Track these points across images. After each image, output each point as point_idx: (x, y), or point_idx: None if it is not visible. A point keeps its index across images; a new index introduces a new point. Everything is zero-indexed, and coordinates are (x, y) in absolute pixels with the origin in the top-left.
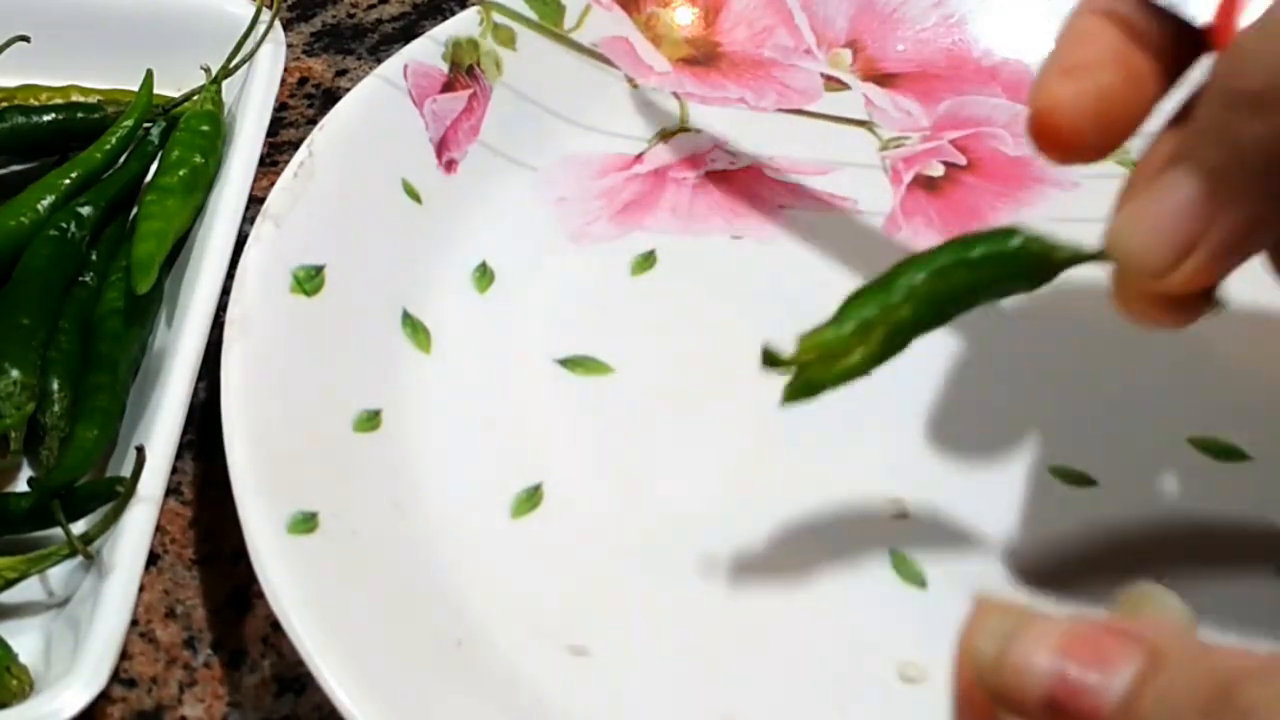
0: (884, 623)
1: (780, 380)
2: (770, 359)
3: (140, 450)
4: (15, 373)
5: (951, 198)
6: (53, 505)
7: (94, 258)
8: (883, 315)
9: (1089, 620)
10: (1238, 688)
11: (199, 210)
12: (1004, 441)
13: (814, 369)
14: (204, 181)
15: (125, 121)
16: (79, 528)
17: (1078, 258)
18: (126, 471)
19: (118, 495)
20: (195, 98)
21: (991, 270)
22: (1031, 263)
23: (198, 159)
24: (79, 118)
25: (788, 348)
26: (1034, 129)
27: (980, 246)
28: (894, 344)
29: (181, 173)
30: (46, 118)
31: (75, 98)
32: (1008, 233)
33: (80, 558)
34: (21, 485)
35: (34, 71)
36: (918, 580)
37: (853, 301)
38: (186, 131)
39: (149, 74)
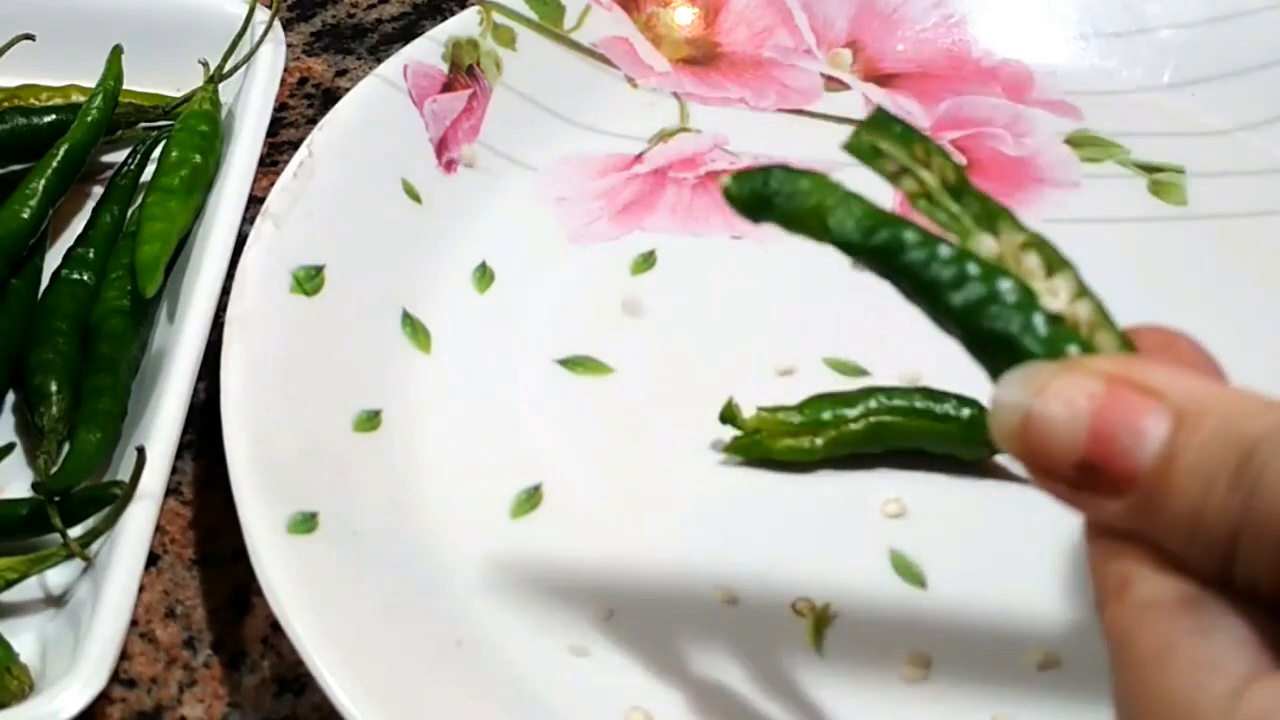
0: (884, 623)
1: (780, 382)
2: (727, 416)
3: (141, 451)
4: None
5: None
6: (49, 509)
7: (91, 255)
8: (835, 423)
9: (1111, 374)
10: (1260, 447)
11: (199, 210)
12: None
13: (765, 438)
14: (204, 181)
15: (95, 103)
16: (78, 531)
17: None
18: (126, 471)
19: (116, 499)
20: (195, 98)
21: (946, 428)
22: (979, 436)
23: (197, 159)
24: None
25: (747, 412)
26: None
27: (946, 405)
28: (840, 447)
29: (182, 173)
30: (47, 118)
31: (75, 98)
32: (972, 403)
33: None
34: (23, 489)
35: (34, 72)
36: (918, 580)
37: (816, 401)
38: (185, 131)
39: (114, 51)
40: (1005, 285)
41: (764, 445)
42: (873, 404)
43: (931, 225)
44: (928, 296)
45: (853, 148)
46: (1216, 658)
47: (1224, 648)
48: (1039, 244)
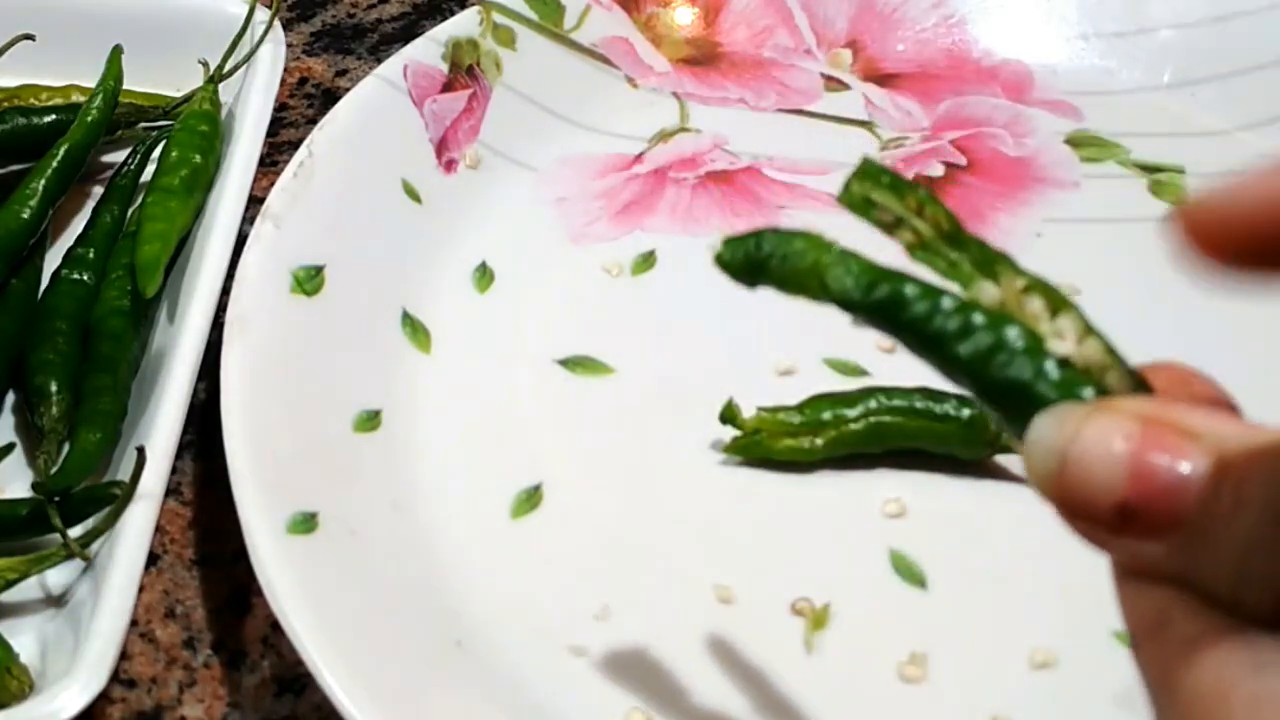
0: (884, 623)
1: (780, 382)
2: (727, 416)
3: (141, 451)
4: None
5: (951, 198)
6: (49, 509)
7: (91, 255)
8: (835, 423)
9: (1146, 417)
10: None
11: (199, 210)
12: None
13: (765, 438)
14: (204, 181)
15: (95, 103)
16: (78, 531)
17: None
18: (126, 471)
19: (116, 499)
20: (195, 98)
21: (946, 428)
22: (980, 436)
23: (197, 159)
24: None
25: (747, 412)
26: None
27: (946, 405)
28: (840, 447)
29: (182, 173)
30: (47, 118)
31: (75, 98)
32: (972, 403)
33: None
34: (23, 489)
35: (34, 72)
36: (918, 580)
37: (816, 401)
38: (185, 131)
39: (114, 51)
40: (1012, 333)
41: (764, 445)
42: (873, 404)
43: (931, 275)
44: (934, 350)
45: (845, 200)
46: (1277, 691)
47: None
48: (1040, 286)
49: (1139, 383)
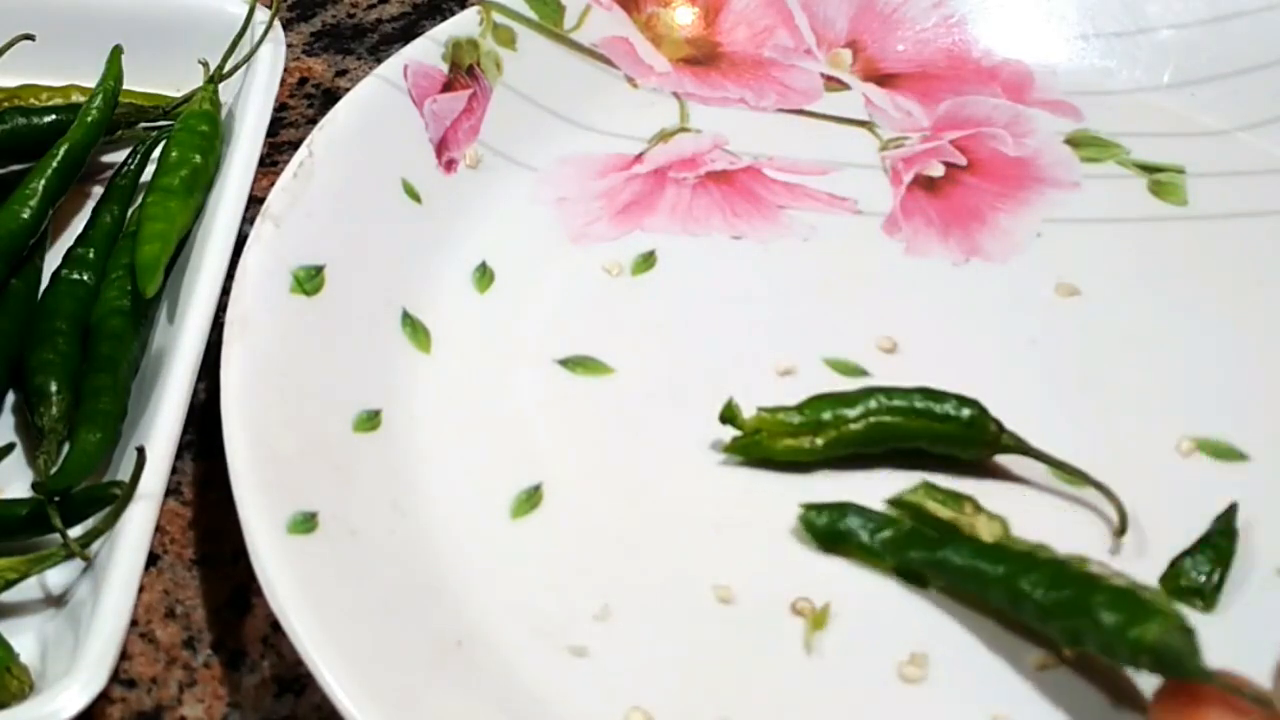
0: (884, 623)
1: (780, 382)
2: (727, 416)
3: (141, 451)
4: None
5: (951, 198)
6: (49, 509)
7: (91, 256)
8: (835, 423)
9: None
10: None
11: (199, 210)
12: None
13: (765, 438)
14: (204, 181)
15: (95, 103)
16: (78, 530)
17: (1019, 446)
18: (126, 471)
19: (116, 499)
20: (195, 98)
21: (946, 429)
22: (980, 436)
23: (197, 159)
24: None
25: (747, 413)
26: None
27: (946, 405)
28: (840, 448)
29: (182, 173)
30: (47, 118)
31: (75, 98)
32: (972, 403)
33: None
34: (23, 489)
35: (35, 72)
36: (918, 580)
37: (816, 401)
38: (185, 131)
39: (114, 51)
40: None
41: (764, 445)
42: (873, 404)
43: None
44: None
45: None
46: None
47: None
48: None
49: None
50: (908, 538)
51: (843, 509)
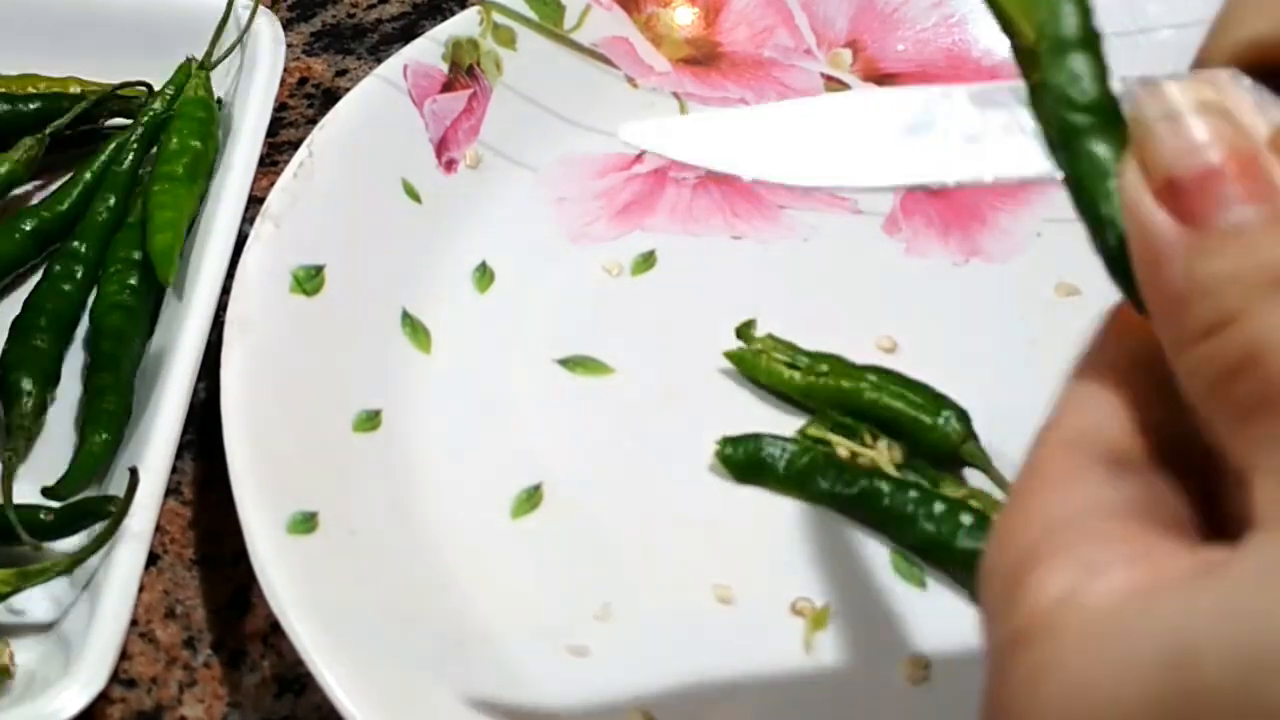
0: (884, 623)
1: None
2: (742, 331)
3: (134, 471)
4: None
5: (951, 198)
6: (11, 521)
7: (84, 249)
8: (829, 374)
9: (1261, 151)
10: None
11: (203, 197)
12: (1002, 440)
13: (764, 359)
14: (205, 168)
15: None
16: (73, 542)
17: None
18: (124, 471)
19: (111, 514)
20: (188, 85)
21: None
22: (944, 449)
23: (197, 145)
24: (62, 106)
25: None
26: None
27: (939, 416)
28: (816, 397)
29: (184, 160)
30: (33, 105)
31: (74, 89)
32: (962, 418)
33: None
34: (32, 493)
35: (36, 66)
36: (918, 580)
37: (828, 356)
38: (183, 119)
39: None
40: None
41: (758, 365)
42: (873, 378)
43: None
44: None
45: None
46: (1099, 499)
47: (1112, 495)
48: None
49: None
50: (819, 467)
51: (758, 440)
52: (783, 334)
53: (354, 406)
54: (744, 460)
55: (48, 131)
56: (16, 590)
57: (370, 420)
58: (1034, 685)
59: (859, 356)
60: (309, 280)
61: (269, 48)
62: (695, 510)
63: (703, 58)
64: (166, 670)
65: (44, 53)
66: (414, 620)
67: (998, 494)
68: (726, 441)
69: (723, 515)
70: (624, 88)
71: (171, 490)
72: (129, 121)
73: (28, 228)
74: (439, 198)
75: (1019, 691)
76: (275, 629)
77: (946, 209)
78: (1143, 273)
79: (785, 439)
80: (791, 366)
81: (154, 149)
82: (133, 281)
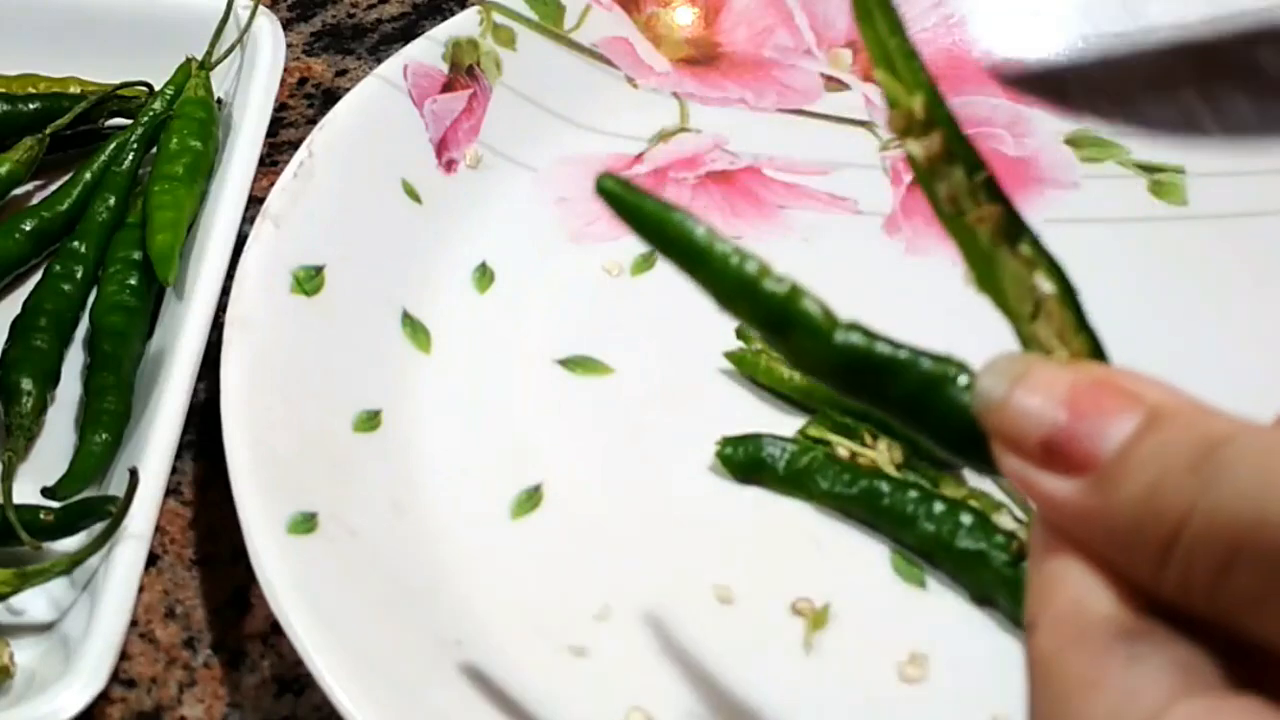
0: (884, 623)
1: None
2: (742, 332)
3: (134, 472)
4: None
5: None
6: (12, 522)
7: (83, 249)
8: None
9: (1095, 372)
10: (1223, 446)
11: (203, 197)
12: None
13: (764, 358)
14: (205, 168)
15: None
16: (73, 542)
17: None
18: (124, 471)
19: (110, 515)
20: (188, 85)
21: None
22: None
23: (197, 145)
24: (62, 106)
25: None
26: None
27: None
28: (816, 397)
29: (185, 160)
30: (33, 105)
31: (74, 90)
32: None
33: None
34: (32, 493)
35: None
36: (918, 580)
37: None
38: (183, 119)
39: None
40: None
41: (759, 365)
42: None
43: None
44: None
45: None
46: (1140, 685)
47: (1150, 672)
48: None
49: None
50: (819, 467)
51: (758, 440)
52: None
53: (354, 406)
54: (744, 460)
55: (48, 131)
56: (16, 590)
57: (370, 420)
58: None
59: None
60: (309, 280)
61: (269, 48)
62: (695, 510)
63: (703, 58)
64: (166, 670)
65: (44, 53)
66: (414, 620)
67: (998, 494)
68: (726, 441)
69: (723, 515)
70: (624, 88)
71: (171, 490)
72: (129, 121)
73: (28, 228)
74: (439, 198)
75: None
76: (275, 629)
77: None
78: (1080, 535)
79: (785, 439)
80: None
81: (154, 149)
82: (133, 281)
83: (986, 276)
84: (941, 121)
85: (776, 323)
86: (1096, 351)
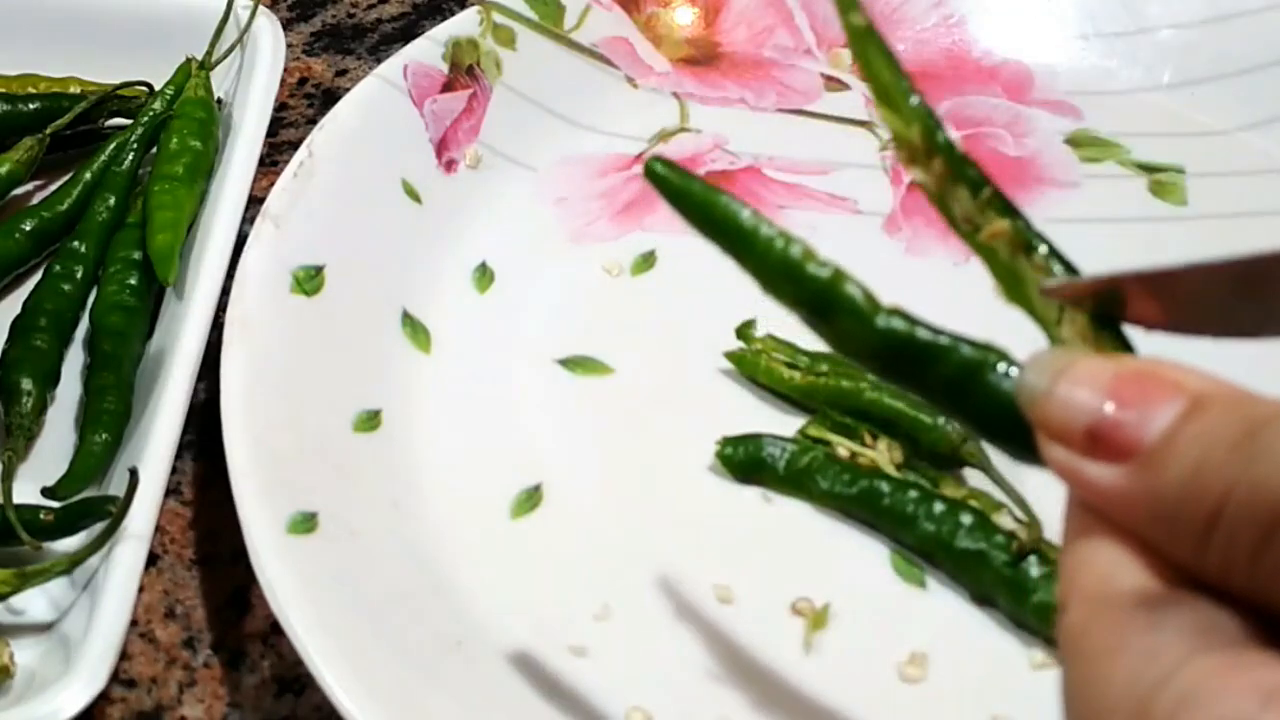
0: (884, 623)
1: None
2: (742, 332)
3: (134, 472)
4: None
5: None
6: (12, 522)
7: (84, 249)
8: (828, 375)
9: (1137, 364)
10: (1264, 429)
11: (203, 197)
12: None
13: (763, 359)
14: (205, 168)
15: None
16: (73, 542)
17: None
18: (124, 471)
19: (110, 515)
20: (188, 85)
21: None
22: (943, 447)
23: (197, 145)
24: (62, 106)
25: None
26: None
27: (940, 417)
28: (814, 396)
29: (185, 160)
30: (33, 105)
31: (74, 89)
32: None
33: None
34: (32, 493)
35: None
36: (918, 580)
37: (828, 356)
38: (183, 119)
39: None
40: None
41: (758, 365)
42: (873, 378)
43: None
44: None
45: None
46: (1160, 646)
47: (1170, 634)
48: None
49: None
50: (819, 467)
51: (758, 440)
52: (783, 334)
53: (354, 406)
54: (744, 460)
55: (48, 131)
56: (16, 590)
57: (370, 420)
58: None
59: None
60: (309, 280)
61: (269, 48)
62: (695, 510)
63: (703, 58)
64: (166, 670)
65: (44, 53)
66: (414, 620)
67: (998, 494)
68: (726, 441)
69: (723, 515)
70: (624, 88)
71: (171, 490)
72: (129, 121)
73: (28, 228)
74: (439, 198)
75: None
76: (275, 629)
77: None
78: (1124, 519)
79: (785, 439)
80: (791, 366)
81: (154, 149)
82: (133, 281)
83: (1014, 289)
84: (940, 149)
85: (820, 306)
86: (1125, 349)
